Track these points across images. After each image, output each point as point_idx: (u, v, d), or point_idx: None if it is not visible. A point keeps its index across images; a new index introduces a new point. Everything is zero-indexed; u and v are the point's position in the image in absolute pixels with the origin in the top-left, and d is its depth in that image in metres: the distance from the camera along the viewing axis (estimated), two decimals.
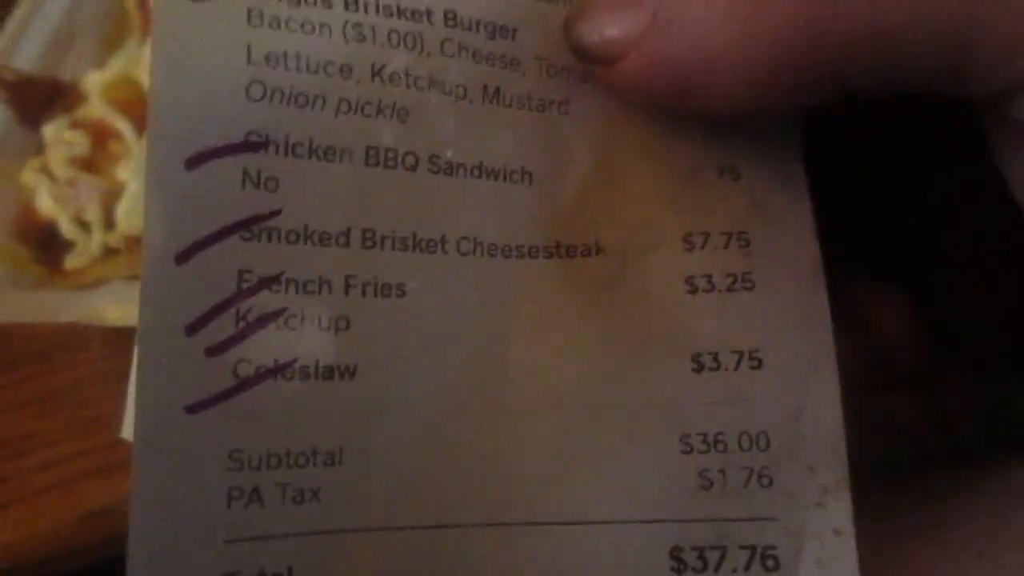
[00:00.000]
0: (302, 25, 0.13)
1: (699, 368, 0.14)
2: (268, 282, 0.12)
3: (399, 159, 0.13)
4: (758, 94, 0.13)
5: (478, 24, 0.14)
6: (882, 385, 0.17)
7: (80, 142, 0.34)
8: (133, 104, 0.35)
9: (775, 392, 0.14)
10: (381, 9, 0.14)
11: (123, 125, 0.34)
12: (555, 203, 0.15)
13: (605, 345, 0.14)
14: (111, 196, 0.33)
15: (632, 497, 0.13)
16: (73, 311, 0.29)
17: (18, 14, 0.39)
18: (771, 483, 0.13)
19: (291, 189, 0.13)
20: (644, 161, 0.15)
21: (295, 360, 0.13)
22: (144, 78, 0.36)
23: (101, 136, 0.35)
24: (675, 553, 0.13)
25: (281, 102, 0.13)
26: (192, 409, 0.12)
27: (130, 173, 0.32)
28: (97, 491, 0.29)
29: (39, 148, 0.35)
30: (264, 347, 0.12)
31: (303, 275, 0.13)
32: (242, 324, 0.12)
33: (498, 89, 0.14)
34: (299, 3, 0.13)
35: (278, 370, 0.12)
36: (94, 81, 0.36)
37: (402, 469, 0.13)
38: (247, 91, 0.13)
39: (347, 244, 0.13)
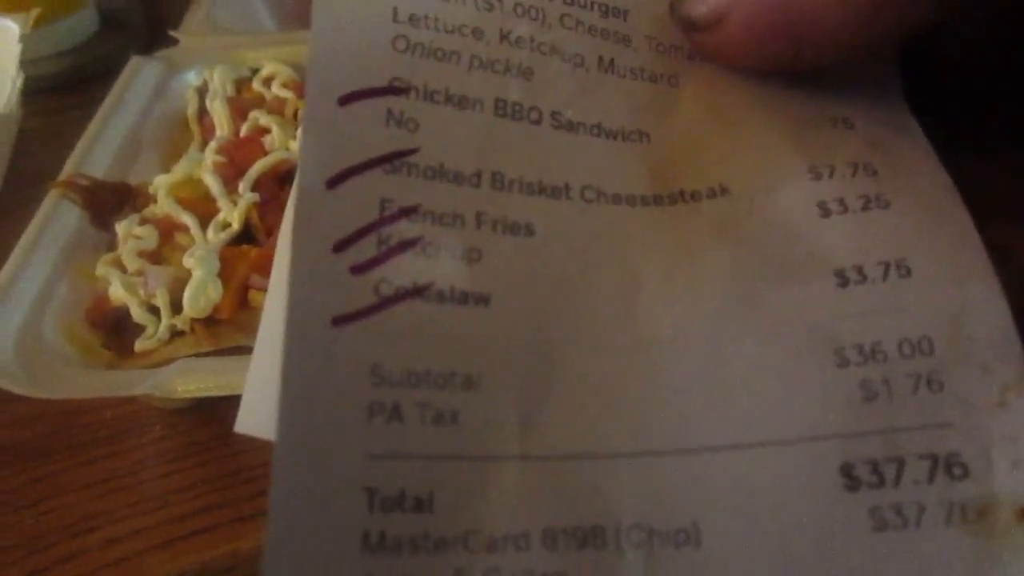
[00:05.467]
0: None
1: (844, 283, 0.13)
2: (407, 212, 0.13)
3: (525, 113, 0.14)
4: (861, 14, 0.13)
5: (593, 4, 0.16)
6: None
7: (149, 236, 0.37)
8: (196, 201, 0.38)
9: (931, 297, 0.13)
10: None
11: (188, 219, 0.37)
12: (674, 157, 0.15)
13: (742, 273, 0.14)
14: (178, 283, 0.35)
15: (790, 417, 0.13)
16: (145, 386, 0.31)
17: (91, 128, 0.43)
18: (942, 388, 0.13)
19: (429, 130, 0.14)
20: (759, 115, 0.15)
21: (432, 284, 0.13)
22: (205, 178, 0.39)
23: (168, 230, 0.37)
24: (846, 470, 0.12)
25: (421, 55, 0.14)
26: (337, 322, 0.12)
27: (195, 262, 0.35)
28: (157, 566, 0.30)
29: (111, 245, 0.38)
30: (403, 270, 0.13)
31: (438, 208, 0.13)
32: (383, 248, 0.13)
33: (612, 60, 0.15)
34: None
35: (416, 292, 0.13)
36: (161, 182, 0.39)
37: (540, 400, 0.13)
38: (393, 43, 0.14)
39: (478, 184, 0.14)
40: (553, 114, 0.15)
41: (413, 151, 0.14)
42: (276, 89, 0.45)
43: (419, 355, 0.12)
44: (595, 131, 0.15)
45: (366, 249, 0.13)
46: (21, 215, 0.38)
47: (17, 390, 0.30)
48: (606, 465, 0.13)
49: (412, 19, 0.14)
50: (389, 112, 0.14)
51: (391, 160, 0.13)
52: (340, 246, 0.13)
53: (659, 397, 0.13)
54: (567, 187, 0.14)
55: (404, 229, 0.13)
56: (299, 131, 0.13)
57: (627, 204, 0.15)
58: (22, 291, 0.34)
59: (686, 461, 0.13)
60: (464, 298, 0.13)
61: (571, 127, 0.15)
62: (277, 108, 0.44)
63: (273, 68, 0.46)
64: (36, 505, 0.32)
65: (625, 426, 0.13)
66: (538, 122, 0.15)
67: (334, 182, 0.13)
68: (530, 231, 0.14)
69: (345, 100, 0.13)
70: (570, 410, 0.13)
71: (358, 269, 0.13)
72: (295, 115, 0.44)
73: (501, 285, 0.13)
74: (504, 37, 0.15)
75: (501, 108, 0.14)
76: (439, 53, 0.14)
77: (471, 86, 0.14)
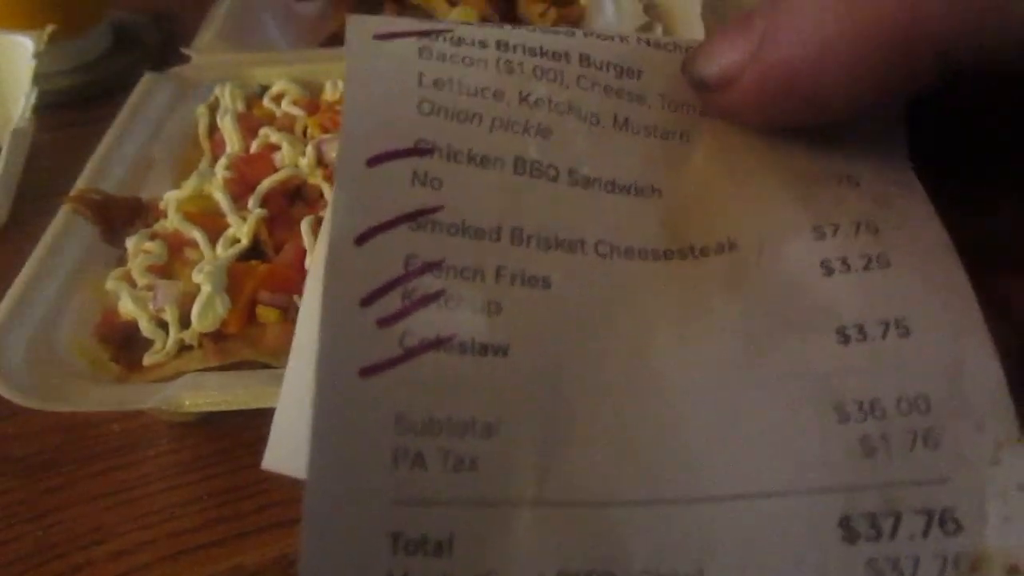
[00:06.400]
0: (463, 59, 0.16)
1: (845, 340, 0.14)
2: (431, 267, 0.14)
3: (543, 170, 0.15)
4: (867, 78, 0.13)
5: (608, 65, 0.16)
6: None
7: (158, 251, 0.37)
8: (205, 217, 0.39)
9: (928, 356, 0.14)
10: (527, 50, 0.16)
11: (197, 235, 0.37)
12: (685, 212, 0.16)
13: (748, 329, 0.14)
14: (186, 298, 0.35)
15: (791, 469, 0.13)
16: (153, 400, 0.31)
17: (103, 143, 0.43)
18: (938, 444, 0.13)
19: (452, 189, 0.14)
20: (767, 172, 0.16)
21: (454, 336, 0.13)
22: (215, 194, 0.40)
23: (177, 245, 0.38)
24: (845, 523, 0.13)
25: (445, 117, 0.15)
26: (364, 372, 0.13)
27: (203, 277, 0.35)
28: None
29: (121, 260, 0.38)
30: (427, 322, 0.13)
31: (460, 263, 0.14)
32: (407, 301, 0.13)
33: (627, 119, 0.16)
34: (460, 43, 0.16)
35: (439, 343, 0.13)
36: (171, 198, 0.39)
37: (556, 447, 0.13)
38: (418, 107, 0.15)
39: (498, 239, 0.14)
40: (570, 171, 0.15)
41: (437, 209, 0.14)
42: (286, 106, 0.45)
43: (441, 404, 0.13)
44: (609, 187, 0.16)
45: (392, 303, 0.13)
46: (33, 229, 0.38)
47: (27, 403, 0.31)
48: (617, 512, 0.13)
49: (436, 83, 0.15)
50: (414, 172, 0.14)
51: (416, 217, 0.14)
52: (367, 300, 0.13)
53: (668, 447, 0.14)
54: (582, 242, 0.15)
55: (428, 283, 0.14)
56: (332, 190, 0.14)
57: (640, 258, 0.15)
58: (33, 305, 0.35)
59: (692, 509, 0.13)
60: (484, 349, 0.14)
61: (587, 183, 0.15)
62: (287, 125, 0.44)
63: (283, 86, 0.47)
64: (44, 517, 0.32)
65: (635, 474, 0.13)
66: (555, 179, 0.15)
67: (363, 239, 0.14)
68: (547, 284, 0.14)
69: (373, 162, 0.14)
70: (584, 458, 0.13)
71: (384, 322, 0.13)
72: (304, 132, 0.44)
73: (519, 336, 0.14)
74: (523, 99, 0.16)
75: (520, 166, 0.15)
76: (461, 115, 0.15)
77: (492, 146, 0.15)
